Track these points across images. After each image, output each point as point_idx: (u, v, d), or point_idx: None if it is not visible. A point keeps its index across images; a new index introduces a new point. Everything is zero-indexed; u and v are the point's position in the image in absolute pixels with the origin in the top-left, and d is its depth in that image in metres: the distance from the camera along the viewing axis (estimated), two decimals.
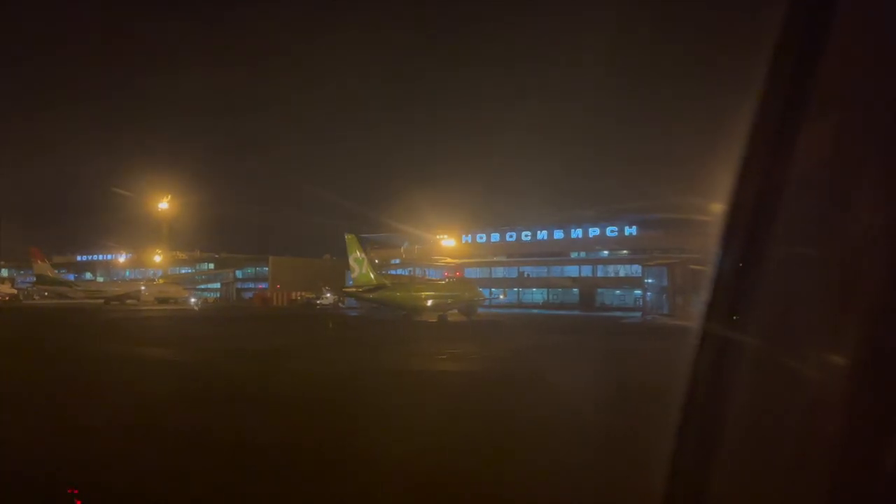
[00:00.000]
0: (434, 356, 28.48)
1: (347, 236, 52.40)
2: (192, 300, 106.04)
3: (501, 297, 67.18)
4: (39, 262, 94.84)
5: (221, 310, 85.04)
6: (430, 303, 56.01)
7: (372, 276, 53.52)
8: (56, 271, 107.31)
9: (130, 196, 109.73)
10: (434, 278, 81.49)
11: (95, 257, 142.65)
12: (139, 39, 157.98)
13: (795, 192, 2.55)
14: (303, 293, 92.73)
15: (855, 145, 2.39)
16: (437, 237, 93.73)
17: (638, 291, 71.33)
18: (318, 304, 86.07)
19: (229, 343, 33.72)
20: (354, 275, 53.21)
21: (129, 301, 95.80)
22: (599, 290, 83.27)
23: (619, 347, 32.85)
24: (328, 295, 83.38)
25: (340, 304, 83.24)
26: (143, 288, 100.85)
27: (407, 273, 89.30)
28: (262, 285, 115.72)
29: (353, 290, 55.47)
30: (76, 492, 8.42)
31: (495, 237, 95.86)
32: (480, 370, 24.14)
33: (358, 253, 52.45)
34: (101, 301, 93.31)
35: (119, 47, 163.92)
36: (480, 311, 74.56)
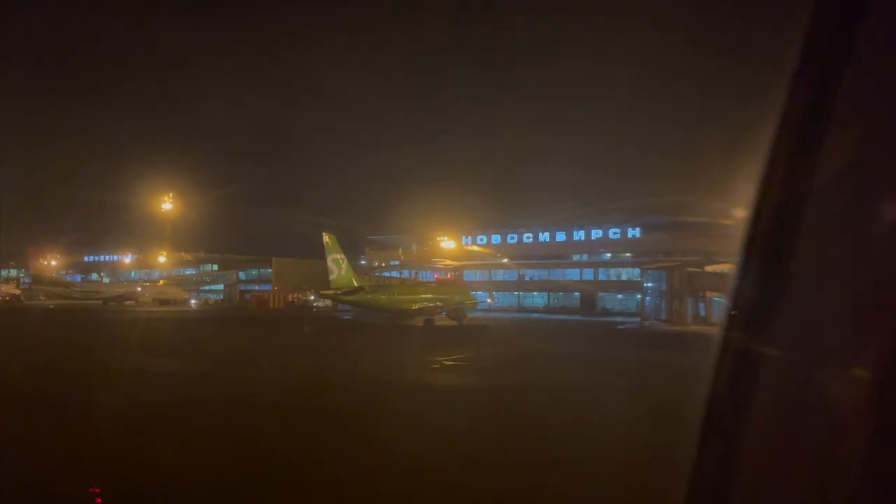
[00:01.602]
0: (387, 366, 26.91)
1: (326, 236, 50.59)
2: (192, 301, 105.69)
3: (489, 300, 64.70)
4: (37, 262, 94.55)
5: (216, 312, 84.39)
6: (415, 306, 54.15)
7: (352, 277, 51.78)
8: (58, 272, 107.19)
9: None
10: (424, 281, 79.72)
11: (102, 258, 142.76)
12: (145, 38, 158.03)
13: (819, 199, 2.50)
14: (299, 295, 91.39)
15: (881, 152, 2.35)
16: (438, 239, 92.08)
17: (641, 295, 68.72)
18: (314, 307, 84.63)
19: (187, 347, 32.94)
20: (333, 276, 51.34)
21: (127, 302, 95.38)
22: (601, 294, 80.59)
23: (596, 358, 31.21)
24: (311, 297, 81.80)
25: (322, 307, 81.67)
26: (139, 289, 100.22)
27: (398, 275, 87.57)
28: (265, 287, 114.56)
29: (332, 292, 53.64)
30: (97, 490, 8.77)
31: (496, 239, 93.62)
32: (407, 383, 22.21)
33: (337, 254, 50.65)
34: (100, 302, 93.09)
35: (125, 47, 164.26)
36: (478, 314, 72.96)
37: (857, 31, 2.35)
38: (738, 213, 2.80)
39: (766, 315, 2.59)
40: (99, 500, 8.79)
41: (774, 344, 2.58)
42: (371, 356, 30.56)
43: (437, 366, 27.15)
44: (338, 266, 50.88)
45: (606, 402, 16.78)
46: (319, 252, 52.54)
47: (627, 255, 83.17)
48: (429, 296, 56.98)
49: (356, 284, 52.14)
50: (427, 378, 23.32)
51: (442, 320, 54.95)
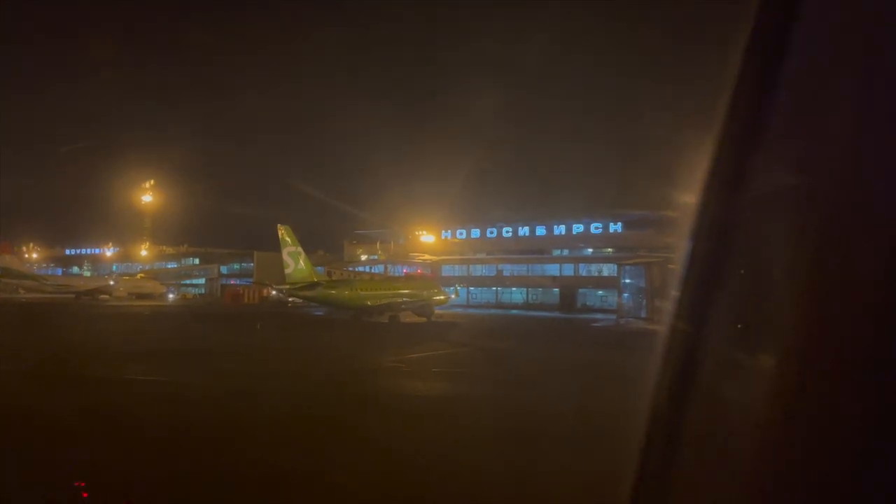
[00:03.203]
0: (313, 368, 24.68)
1: (280, 229, 48.14)
2: (170, 295, 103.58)
3: (453, 296, 62.17)
4: (6, 255, 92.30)
5: (186, 307, 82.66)
6: (378, 302, 51.97)
7: (311, 272, 49.37)
8: (27, 264, 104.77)
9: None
10: (392, 275, 77.48)
11: (83, 251, 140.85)
12: (128, 31, 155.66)
13: (769, 194, 2.54)
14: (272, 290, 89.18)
15: (832, 149, 2.34)
16: (417, 233, 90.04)
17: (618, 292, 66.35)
18: (289, 302, 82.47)
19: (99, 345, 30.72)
20: (289, 270, 48.94)
21: (101, 296, 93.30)
22: (581, 291, 78.12)
23: (550, 359, 29.18)
24: (274, 292, 79.48)
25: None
26: (111, 283, 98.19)
27: (368, 269, 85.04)
28: (247, 281, 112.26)
29: (287, 287, 51.28)
30: (83, 484, 8.74)
31: (476, 233, 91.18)
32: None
33: (293, 247, 48.21)
34: (73, 296, 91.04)
35: (106, 38, 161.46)
36: (458, 310, 70.80)
37: (803, 26, 2.38)
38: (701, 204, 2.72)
39: (712, 312, 2.58)
40: (84, 495, 8.74)
41: (721, 341, 2.56)
42: (306, 357, 28.57)
43: (374, 368, 25.13)
44: (294, 259, 48.47)
45: (525, 418, 14.96)
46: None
47: (609, 250, 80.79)
48: (393, 291, 54.76)
49: (312, 278, 49.61)
50: (344, 384, 21.07)
51: (412, 317, 52.93)
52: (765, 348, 2.41)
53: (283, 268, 49.48)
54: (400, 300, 53.20)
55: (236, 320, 53.47)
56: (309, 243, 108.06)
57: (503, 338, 41.22)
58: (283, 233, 48.06)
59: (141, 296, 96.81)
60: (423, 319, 52.44)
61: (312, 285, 48.97)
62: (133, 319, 52.89)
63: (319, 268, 77.52)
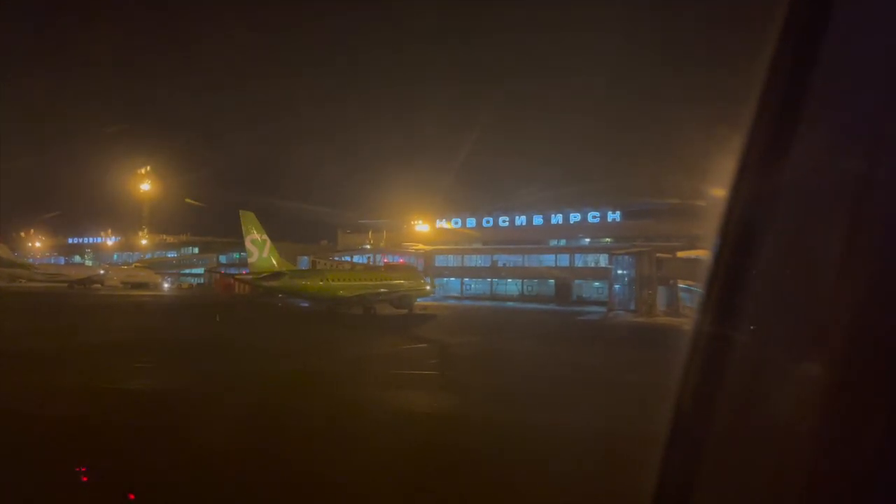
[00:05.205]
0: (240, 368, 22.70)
1: (242, 214, 45.67)
2: (166, 285, 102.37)
3: (427, 288, 59.16)
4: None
5: (175, 296, 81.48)
6: (353, 293, 49.57)
7: (273, 261, 46.91)
8: (14, 253, 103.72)
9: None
10: (373, 266, 75.03)
11: (85, 240, 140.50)
12: (124, 18, 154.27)
13: (792, 192, 2.50)
14: None
15: (850, 146, 2.33)
16: (412, 223, 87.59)
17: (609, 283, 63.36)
18: (280, 294, 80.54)
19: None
20: (252, 259, 46.56)
21: (94, 285, 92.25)
22: (577, 282, 75.01)
23: (510, 358, 27.42)
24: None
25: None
26: (101, 272, 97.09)
27: (349, 259, 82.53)
28: (245, 271, 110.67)
29: (251, 276, 48.91)
30: (84, 469, 8.93)
31: (471, 222, 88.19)
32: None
33: (257, 234, 45.80)
34: (66, 285, 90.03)
35: (106, 25, 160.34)
36: (451, 302, 68.32)
37: (832, 25, 2.31)
38: (721, 197, 2.70)
39: (740, 308, 2.51)
40: (85, 479, 8.64)
41: (747, 338, 2.48)
42: (238, 356, 26.18)
43: (303, 370, 22.77)
44: (259, 248, 46.07)
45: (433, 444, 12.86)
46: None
47: (607, 240, 77.67)
48: (369, 282, 52.29)
49: (276, 268, 47.04)
50: (247, 389, 18.82)
51: (392, 308, 50.55)
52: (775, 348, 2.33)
53: (248, 256, 47.29)
54: (375, 291, 50.79)
55: (205, 311, 51.60)
56: (313, 234, 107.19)
57: (472, 333, 39.26)
58: (245, 219, 45.68)
59: (135, 285, 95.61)
60: (404, 311, 50.07)
61: (276, 275, 46.56)
62: (96, 310, 51.12)
63: (304, 258, 75.50)
